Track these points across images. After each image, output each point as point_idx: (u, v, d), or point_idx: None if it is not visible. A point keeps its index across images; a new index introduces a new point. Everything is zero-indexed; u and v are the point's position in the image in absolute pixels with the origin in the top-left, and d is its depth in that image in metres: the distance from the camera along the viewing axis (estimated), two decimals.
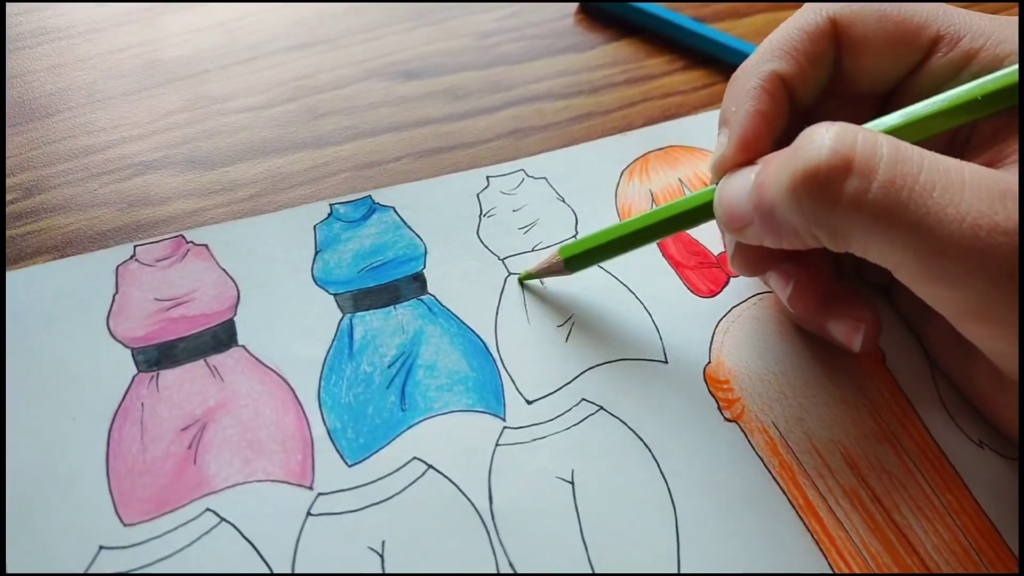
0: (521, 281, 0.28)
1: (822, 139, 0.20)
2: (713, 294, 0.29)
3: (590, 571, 0.23)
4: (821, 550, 0.24)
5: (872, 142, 0.20)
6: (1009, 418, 0.26)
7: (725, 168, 0.24)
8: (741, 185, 0.23)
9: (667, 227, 0.25)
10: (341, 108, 0.32)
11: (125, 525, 0.22)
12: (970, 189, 0.19)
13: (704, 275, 0.29)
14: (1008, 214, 0.19)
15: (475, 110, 0.33)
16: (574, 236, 0.30)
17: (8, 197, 0.28)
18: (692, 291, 0.29)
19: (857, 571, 0.24)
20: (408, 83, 0.33)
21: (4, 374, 0.24)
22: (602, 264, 0.29)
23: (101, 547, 0.21)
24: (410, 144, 0.32)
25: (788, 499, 0.25)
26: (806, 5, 0.25)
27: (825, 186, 0.20)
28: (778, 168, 0.21)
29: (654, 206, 0.31)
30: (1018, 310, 0.19)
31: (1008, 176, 0.20)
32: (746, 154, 0.24)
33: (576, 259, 0.27)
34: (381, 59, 0.34)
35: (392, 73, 0.34)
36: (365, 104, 0.33)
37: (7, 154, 0.29)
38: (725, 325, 0.28)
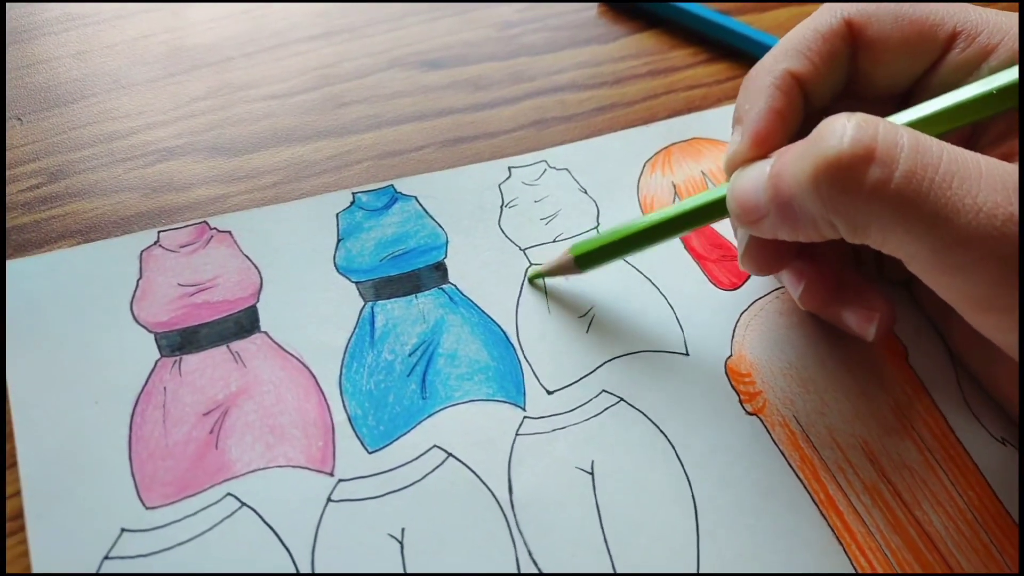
0: (531, 280, 0.28)
1: (844, 128, 0.20)
2: (735, 287, 0.29)
3: (609, 561, 0.23)
4: (841, 545, 0.24)
5: (893, 132, 0.20)
6: None
7: (738, 164, 0.24)
8: (756, 177, 0.23)
9: (680, 224, 0.25)
10: (364, 97, 0.32)
11: (147, 508, 0.22)
12: (987, 180, 0.19)
13: (726, 268, 0.29)
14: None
15: (497, 100, 0.33)
16: (596, 227, 0.29)
17: (33, 182, 0.28)
18: (714, 284, 0.29)
19: (878, 567, 0.24)
20: (431, 73, 0.33)
21: (7, 359, 0.24)
22: (625, 257, 0.29)
23: (123, 529, 0.22)
24: (432, 134, 0.31)
25: (809, 493, 0.25)
26: (822, 6, 0.25)
27: (847, 175, 0.20)
28: (797, 157, 0.21)
29: (676, 199, 0.31)
30: (1019, 302, 0.20)
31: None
32: (760, 151, 0.24)
33: (587, 258, 0.26)
34: (404, 49, 0.34)
35: (415, 63, 0.34)
36: (388, 93, 0.33)
37: (31, 139, 0.29)
38: (747, 318, 0.28)
